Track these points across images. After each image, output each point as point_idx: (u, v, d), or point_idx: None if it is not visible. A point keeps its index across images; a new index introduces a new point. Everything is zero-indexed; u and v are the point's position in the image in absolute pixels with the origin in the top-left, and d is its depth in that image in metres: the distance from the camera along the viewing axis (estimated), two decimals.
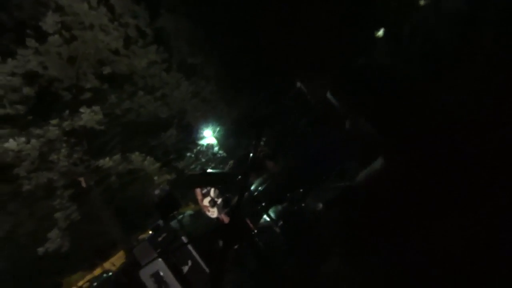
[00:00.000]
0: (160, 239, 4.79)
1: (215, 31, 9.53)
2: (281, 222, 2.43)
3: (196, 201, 6.13)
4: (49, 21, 7.90)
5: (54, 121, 7.62)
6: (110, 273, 9.48)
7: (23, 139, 7.19)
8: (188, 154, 9.77)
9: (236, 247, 3.69)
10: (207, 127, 10.67)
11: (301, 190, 2.49)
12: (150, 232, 7.08)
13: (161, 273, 4.23)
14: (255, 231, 3.56)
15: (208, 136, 10.78)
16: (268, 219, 2.53)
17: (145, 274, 4.23)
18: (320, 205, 2.03)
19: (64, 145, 7.73)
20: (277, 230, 2.21)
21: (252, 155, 1.21)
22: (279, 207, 2.61)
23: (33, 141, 7.29)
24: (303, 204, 2.39)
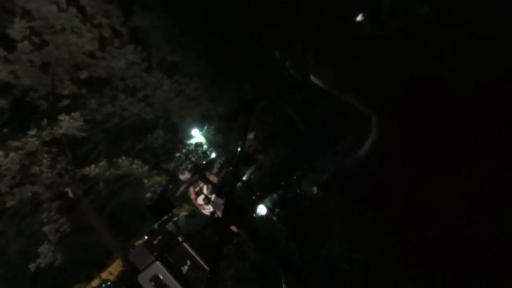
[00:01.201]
0: (156, 242, 4.70)
1: (193, 25, 9.30)
2: (278, 210, 2.37)
3: (190, 201, 6.04)
4: (17, 27, 7.50)
5: (32, 132, 7.29)
6: (109, 283, 9.30)
7: (0, 153, 6.85)
8: (177, 154, 9.59)
9: (235, 241, 3.64)
10: (194, 125, 10.49)
11: (294, 176, 2.44)
12: (146, 237, 6.96)
13: (160, 276, 4.14)
14: (252, 223, 3.51)
15: (196, 135, 10.61)
16: (265, 208, 2.46)
17: (144, 279, 4.13)
18: (315, 189, 1.99)
19: (45, 156, 7.42)
20: (274, 218, 2.15)
21: (241, 148, 1.13)
22: (274, 195, 2.55)
23: (12, 154, 6.95)
24: (297, 190, 2.35)
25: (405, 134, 1.13)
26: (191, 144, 10.33)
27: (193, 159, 9.60)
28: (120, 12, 8.95)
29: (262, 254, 3.07)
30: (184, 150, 9.80)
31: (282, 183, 2.73)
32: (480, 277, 0.95)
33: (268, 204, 2.63)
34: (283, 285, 2.11)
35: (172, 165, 9.14)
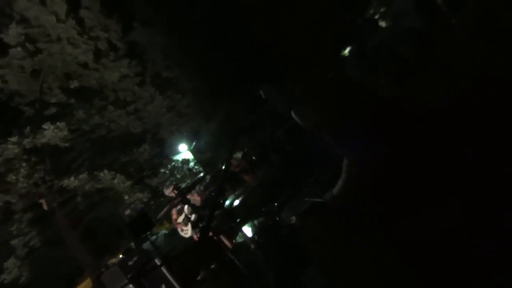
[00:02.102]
0: (131, 263, 4.50)
1: (191, 43, 9.53)
2: (257, 237, 2.34)
3: (171, 220, 5.86)
4: (12, 33, 7.48)
5: (13, 139, 7.04)
6: None
7: None
8: (162, 170, 9.42)
9: (212, 266, 3.52)
10: (182, 141, 10.41)
11: (275, 203, 2.44)
12: (121, 256, 6.62)
13: None
14: (231, 247, 3.43)
15: (184, 151, 10.50)
16: (243, 235, 2.43)
17: None
18: (294, 218, 1.99)
19: (24, 164, 7.13)
20: (252, 246, 2.13)
21: (224, 170, 1.15)
22: (255, 222, 2.53)
23: None
24: (277, 218, 2.34)
25: (376, 174, 1.18)
26: (178, 160, 10.20)
27: (178, 176, 9.44)
28: (118, 27, 9.11)
29: (237, 282, 2.98)
30: (169, 166, 9.65)
31: (263, 210, 2.72)
32: None
33: (248, 230, 2.60)
34: None
35: (156, 181, 8.93)
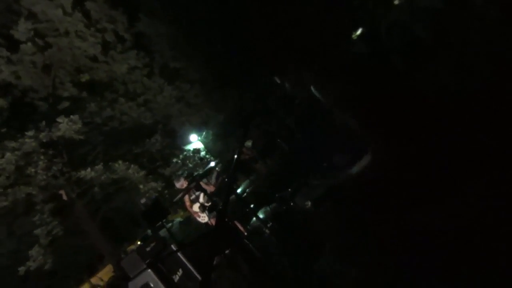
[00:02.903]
0: (148, 249, 4.65)
1: (197, 33, 9.44)
2: (271, 223, 2.37)
3: (185, 208, 6.00)
4: (21, 29, 7.58)
5: (30, 133, 7.27)
6: None
7: None
8: (174, 160, 9.57)
9: (227, 251, 3.61)
10: (193, 131, 10.50)
11: (289, 189, 2.44)
12: (139, 243, 6.87)
13: (151, 284, 4.09)
14: (246, 234, 3.49)
15: (194, 141, 10.61)
16: (257, 221, 2.47)
17: (134, 287, 4.06)
18: (309, 203, 1.99)
19: (42, 157, 7.38)
20: (267, 231, 2.15)
21: (236, 157, 1.16)
22: (268, 208, 2.56)
23: (8, 154, 6.92)
24: (291, 204, 2.35)
25: (399, 159, 1.15)
26: (189, 150, 10.33)
27: (190, 165, 9.58)
28: (125, 18, 9.08)
29: (254, 267, 3.04)
30: (181, 156, 9.79)
31: (276, 196, 2.73)
32: None
33: (262, 216, 2.63)
34: None
35: (169, 171, 9.10)
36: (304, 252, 2.24)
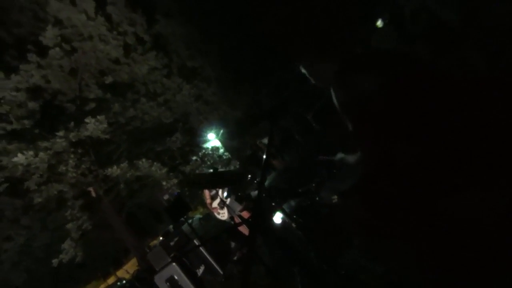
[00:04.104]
0: (172, 243, 4.80)
1: (212, 32, 9.53)
2: (296, 217, 2.39)
3: (204, 205, 6.13)
4: (49, 35, 7.99)
5: (60, 133, 7.70)
6: (124, 281, 9.54)
7: (31, 152, 7.28)
8: (194, 157, 9.79)
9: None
10: (211, 129, 10.68)
11: (313, 183, 2.45)
12: (161, 237, 7.10)
13: (176, 277, 4.24)
14: (270, 229, 3.53)
15: (212, 139, 10.79)
16: (283, 215, 2.50)
17: (160, 280, 4.24)
18: (335, 197, 2.00)
19: (71, 156, 7.81)
20: (293, 225, 2.18)
21: (268, 148, 1.18)
22: (293, 203, 2.58)
23: (41, 154, 7.37)
24: (317, 198, 2.36)
25: (422, 151, 1.14)
26: (207, 148, 10.52)
27: (209, 162, 9.77)
28: (143, 20, 9.34)
29: (278, 259, 3.08)
30: (200, 154, 9.99)
31: (300, 190, 2.74)
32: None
33: (287, 210, 2.66)
34: None
35: (189, 168, 9.34)
36: (330, 246, 2.25)
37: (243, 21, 8.80)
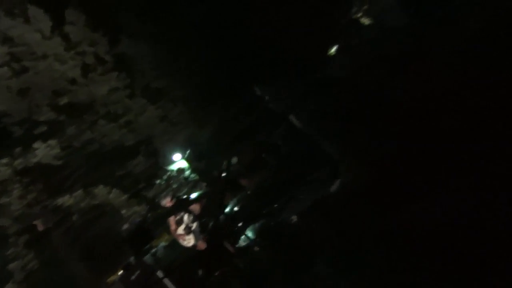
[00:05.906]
0: (133, 277, 4.42)
1: (179, 52, 9.53)
2: (260, 240, 2.33)
3: (169, 231, 5.78)
4: None
5: (3, 160, 6.92)
6: None
7: None
8: (158, 181, 9.33)
9: (217, 273, 3.47)
10: (176, 150, 10.33)
11: (275, 205, 2.42)
12: (121, 271, 6.50)
13: None
14: (235, 253, 3.39)
15: (178, 160, 10.41)
16: (247, 238, 2.41)
17: None
18: (295, 218, 1.98)
19: (16, 185, 6.99)
20: (257, 248, 2.11)
21: (223, 176, 1.13)
22: (256, 225, 2.51)
23: None
24: (279, 219, 2.32)
25: (373, 173, 1.17)
26: (173, 170, 10.10)
27: (174, 185, 9.35)
28: (105, 41, 9.06)
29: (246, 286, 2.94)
30: (165, 177, 9.55)
31: (264, 212, 2.70)
32: None
33: (251, 233, 2.58)
34: None
35: (152, 193, 8.84)
36: (296, 264, 2.20)
37: (212, 41, 8.93)
